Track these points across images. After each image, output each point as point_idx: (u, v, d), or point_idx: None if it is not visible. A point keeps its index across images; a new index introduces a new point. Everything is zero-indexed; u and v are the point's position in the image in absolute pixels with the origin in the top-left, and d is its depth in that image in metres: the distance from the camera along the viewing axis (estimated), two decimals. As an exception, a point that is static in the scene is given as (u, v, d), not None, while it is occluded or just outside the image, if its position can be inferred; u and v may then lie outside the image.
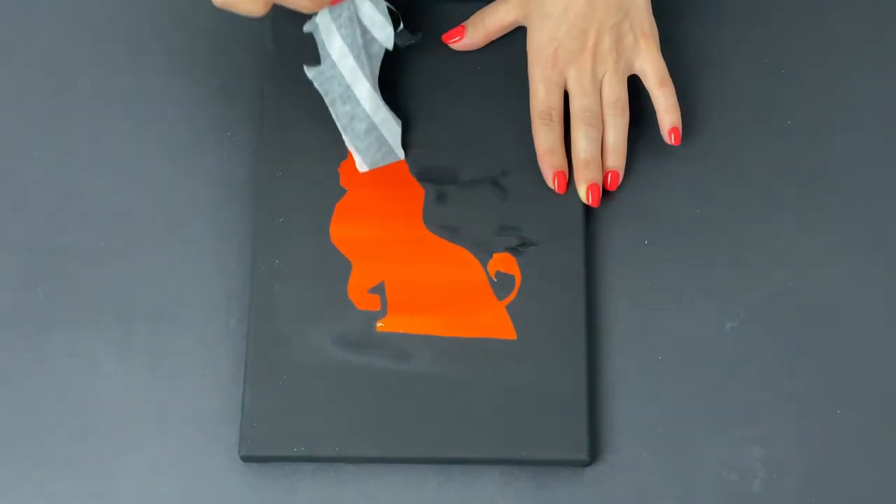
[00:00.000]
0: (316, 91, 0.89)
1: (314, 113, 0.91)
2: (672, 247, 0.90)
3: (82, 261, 0.90)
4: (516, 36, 0.92)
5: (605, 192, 0.90)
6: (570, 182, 0.89)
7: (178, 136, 0.93)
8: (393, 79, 0.91)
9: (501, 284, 0.87)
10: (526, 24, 0.90)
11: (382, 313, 0.86)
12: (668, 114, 0.90)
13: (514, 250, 0.88)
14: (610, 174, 0.89)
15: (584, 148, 0.89)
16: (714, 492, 0.85)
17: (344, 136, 0.88)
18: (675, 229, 0.90)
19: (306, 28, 0.87)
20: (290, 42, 0.92)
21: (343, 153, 0.90)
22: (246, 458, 0.84)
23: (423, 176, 0.90)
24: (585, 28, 0.88)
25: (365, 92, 0.87)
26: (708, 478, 0.85)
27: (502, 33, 0.92)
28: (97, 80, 0.94)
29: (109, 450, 0.86)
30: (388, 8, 0.89)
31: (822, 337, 0.88)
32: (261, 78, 0.93)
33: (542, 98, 0.89)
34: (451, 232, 0.88)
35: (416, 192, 0.89)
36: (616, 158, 0.90)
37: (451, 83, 0.92)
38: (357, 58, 0.87)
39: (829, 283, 0.89)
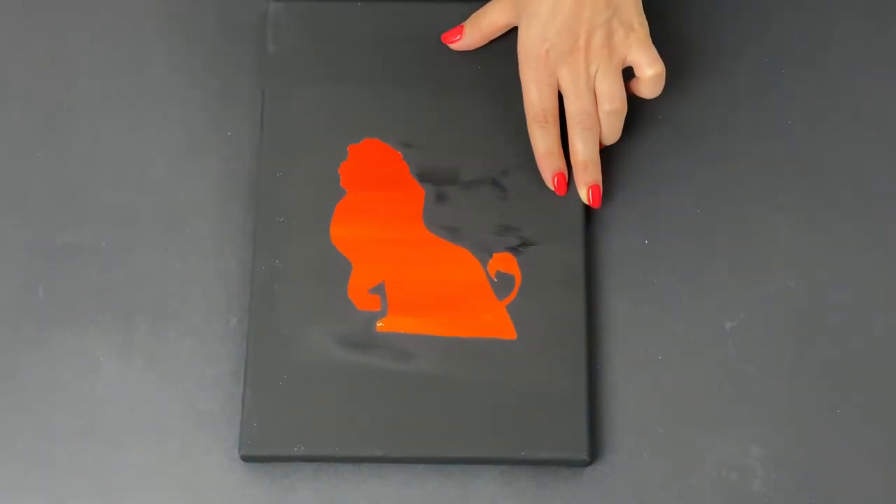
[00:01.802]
0: (316, 91, 0.89)
1: (314, 113, 0.91)
2: (672, 247, 0.90)
3: (83, 260, 0.90)
4: (516, 36, 0.91)
5: (606, 192, 0.90)
6: (571, 182, 0.89)
7: (178, 135, 0.93)
8: (393, 78, 0.91)
9: (501, 284, 0.87)
10: (518, 25, 0.90)
11: (383, 313, 0.86)
12: (649, 92, 0.90)
13: (514, 250, 0.88)
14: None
15: (581, 150, 0.89)
16: (714, 491, 0.85)
17: None
18: (675, 229, 0.90)
19: None
20: (290, 42, 0.92)
21: (343, 154, 0.90)
22: (246, 458, 0.84)
23: (422, 176, 0.89)
24: (575, 27, 0.87)
25: None
26: (708, 477, 0.85)
27: (498, 34, 0.92)
28: (97, 80, 0.94)
29: (109, 449, 0.86)
30: None
31: (822, 337, 0.88)
32: (261, 78, 0.92)
33: (535, 100, 0.89)
34: (451, 232, 0.88)
35: (416, 193, 0.89)
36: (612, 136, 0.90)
37: (451, 83, 0.91)
38: None
39: (829, 282, 0.89)
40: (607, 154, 0.91)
